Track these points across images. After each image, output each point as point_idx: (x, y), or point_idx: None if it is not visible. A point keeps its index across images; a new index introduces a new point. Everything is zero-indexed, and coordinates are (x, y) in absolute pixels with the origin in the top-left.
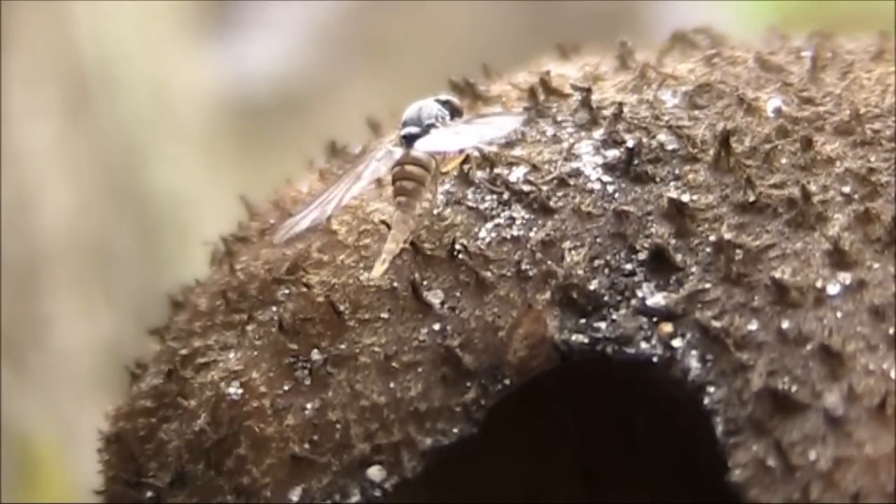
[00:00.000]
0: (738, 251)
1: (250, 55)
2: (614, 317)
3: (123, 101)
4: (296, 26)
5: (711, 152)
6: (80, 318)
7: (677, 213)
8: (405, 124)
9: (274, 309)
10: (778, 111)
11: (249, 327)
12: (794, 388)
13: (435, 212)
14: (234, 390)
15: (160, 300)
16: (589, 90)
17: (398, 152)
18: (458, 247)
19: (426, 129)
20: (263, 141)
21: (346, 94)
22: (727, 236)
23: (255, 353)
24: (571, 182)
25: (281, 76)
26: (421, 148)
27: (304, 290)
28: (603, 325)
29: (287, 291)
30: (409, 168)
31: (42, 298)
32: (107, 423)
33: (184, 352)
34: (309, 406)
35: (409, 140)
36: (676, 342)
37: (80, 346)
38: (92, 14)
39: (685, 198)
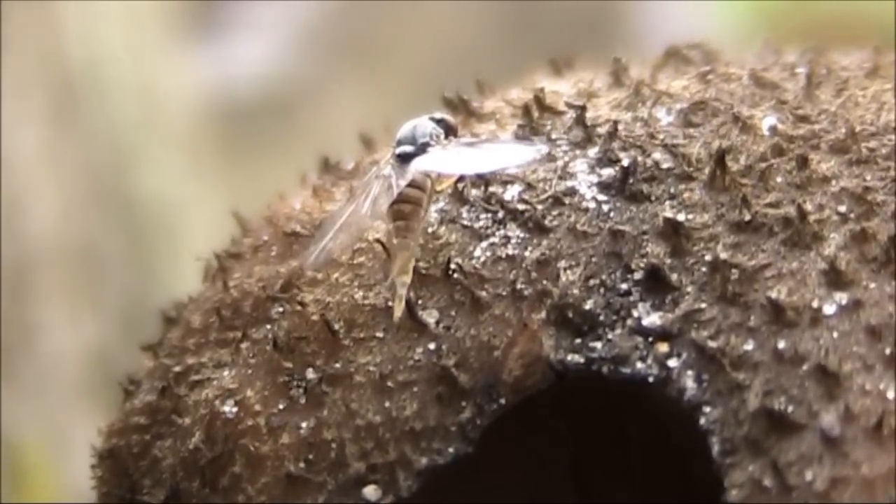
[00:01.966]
0: (733, 271)
1: (236, 57)
2: (610, 336)
3: (110, 106)
4: (281, 28)
5: (707, 171)
6: (67, 324)
7: (673, 232)
8: (399, 143)
9: (268, 327)
10: (773, 129)
11: (244, 345)
12: (790, 408)
13: (429, 230)
14: (228, 408)
15: (147, 306)
16: (584, 108)
17: (392, 171)
18: (453, 266)
19: (421, 148)
20: (250, 144)
21: (333, 97)
22: (723, 256)
23: (250, 371)
24: (566, 201)
25: (267, 79)
26: (419, 168)
27: (299, 308)
28: (598, 344)
29: (281, 309)
30: (405, 190)
31: (30, 304)
32: (99, 439)
33: (177, 369)
34: (304, 425)
35: (403, 159)
36: (672, 362)
37: (67, 351)
38: (79, 18)
39: (680, 217)
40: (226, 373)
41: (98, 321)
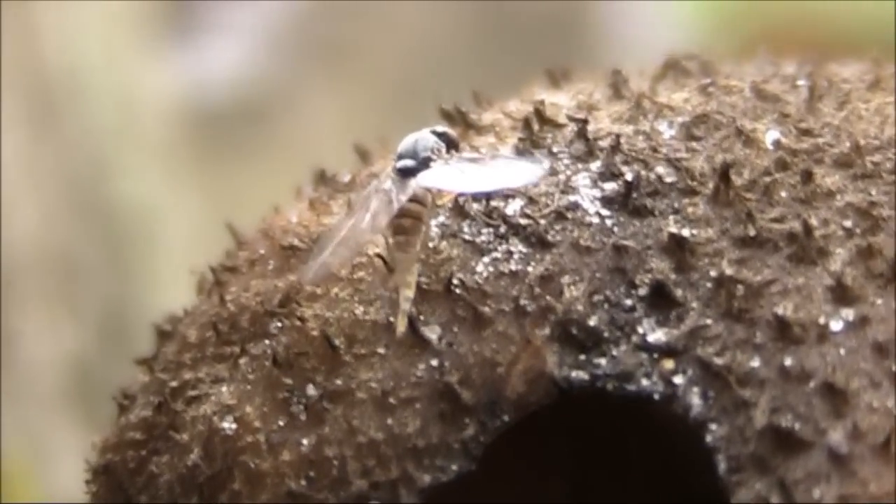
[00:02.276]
0: (739, 286)
1: (209, 62)
2: (614, 353)
3: (88, 112)
4: (254, 32)
5: (710, 185)
6: (46, 332)
7: (677, 247)
8: (400, 156)
9: (267, 342)
10: (777, 143)
11: (242, 360)
12: (797, 426)
13: (430, 245)
14: (227, 425)
15: (126, 312)
16: (585, 121)
17: (393, 185)
18: (455, 281)
19: (423, 162)
20: (225, 149)
21: (307, 101)
22: (728, 271)
23: (249, 387)
24: (569, 215)
25: (240, 83)
26: (422, 183)
27: (298, 323)
28: (603, 361)
29: (280, 324)
30: (406, 205)
31: (9, 312)
32: (93, 454)
33: (174, 384)
34: (305, 442)
35: (404, 173)
36: (678, 379)
37: (47, 359)
38: (57, 25)
39: (685, 232)
40: (224, 388)
41: (77, 328)
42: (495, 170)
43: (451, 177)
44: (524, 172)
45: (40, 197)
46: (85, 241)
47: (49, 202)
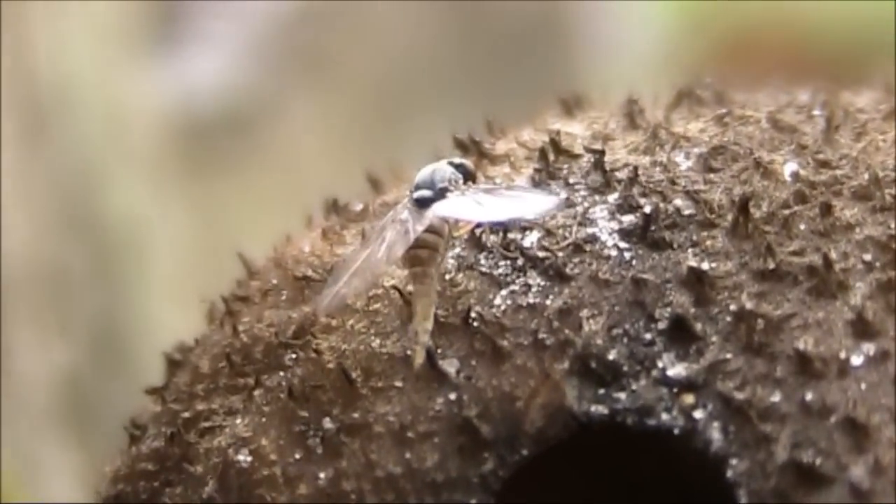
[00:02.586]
0: (759, 320)
1: (193, 73)
2: (634, 387)
3: (77, 125)
4: (237, 42)
5: (729, 218)
6: (37, 346)
7: (696, 280)
8: (418, 187)
9: (281, 374)
10: (795, 175)
11: (256, 392)
12: (818, 461)
13: (446, 277)
14: (243, 457)
15: (116, 327)
16: (602, 152)
17: (410, 216)
18: (473, 314)
19: (439, 193)
20: (211, 160)
21: (290, 110)
22: (748, 305)
23: (264, 419)
24: (587, 248)
25: (224, 93)
26: (438, 213)
27: (314, 355)
28: (623, 395)
29: (295, 356)
30: (422, 236)
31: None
32: (104, 485)
33: (186, 414)
34: (322, 475)
35: (421, 203)
36: (698, 413)
37: (37, 373)
38: (47, 38)
39: (704, 265)
40: (238, 420)
41: (67, 343)
42: (511, 200)
43: (468, 207)
44: (542, 203)
45: (30, 211)
46: (75, 255)
47: (39, 216)
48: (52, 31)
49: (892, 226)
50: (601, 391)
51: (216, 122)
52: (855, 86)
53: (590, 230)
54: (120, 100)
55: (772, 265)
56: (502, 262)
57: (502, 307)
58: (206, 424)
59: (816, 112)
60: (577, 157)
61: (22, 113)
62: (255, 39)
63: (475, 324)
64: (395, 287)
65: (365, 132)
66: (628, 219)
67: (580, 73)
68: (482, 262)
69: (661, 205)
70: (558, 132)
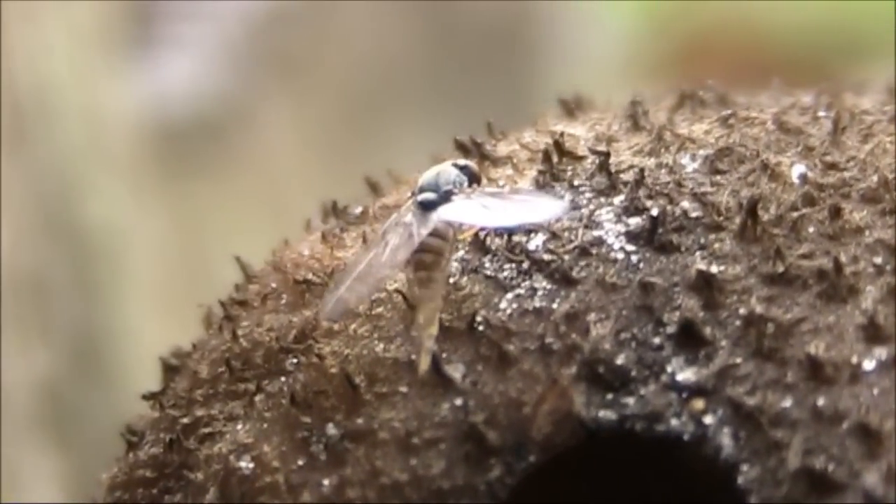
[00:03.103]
0: (769, 325)
1: (167, 77)
2: (642, 392)
3: (53, 132)
4: (210, 46)
5: (737, 221)
6: (16, 352)
7: (705, 284)
8: (422, 190)
9: (283, 379)
10: (803, 177)
11: (257, 398)
12: (831, 468)
13: (451, 281)
14: (244, 464)
15: (94, 334)
16: (608, 154)
17: (414, 219)
18: (478, 318)
19: (444, 196)
20: (187, 165)
21: (265, 114)
22: (757, 309)
23: (266, 425)
24: (593, 251)
25: (198, 98)
26: (443, 217)
27: (316, 360)
28: (631, 401)
29: (296, 361)
30: (427, 240)
31: None
32: (101, 492)
33: (185, 420)
34: (326, 483)
35: (425, 206)
36: (708, 419)
37: (16, 380)
38: (25, 44)
39: (713, 269)
40: (239, 426)
41: (46, 350)
42: (519, 204)
43: (473, 211)
44: (550, 208)
45: (8, 218)
46: (52, 261)
47: (17, 223)
48: (29, 37)
49: None
50: (609, 397)
51: (192, 127)
52: (815, 87)
53: (596, 233)
54: (96, 105)
55: (781, 269)
56: (507, 266)
57: (508, 311)
58: (206, 430)
59: (822, 114)
60: (581, 158)
61: (2, 120)
62: (230, 44)
63: (481, 328)
64: (398, 291)
65: (340, 135)
66: (635, 221)
67: (545, 76)
68: (487, 265)
69: (668, 207)
70: (561, 134)
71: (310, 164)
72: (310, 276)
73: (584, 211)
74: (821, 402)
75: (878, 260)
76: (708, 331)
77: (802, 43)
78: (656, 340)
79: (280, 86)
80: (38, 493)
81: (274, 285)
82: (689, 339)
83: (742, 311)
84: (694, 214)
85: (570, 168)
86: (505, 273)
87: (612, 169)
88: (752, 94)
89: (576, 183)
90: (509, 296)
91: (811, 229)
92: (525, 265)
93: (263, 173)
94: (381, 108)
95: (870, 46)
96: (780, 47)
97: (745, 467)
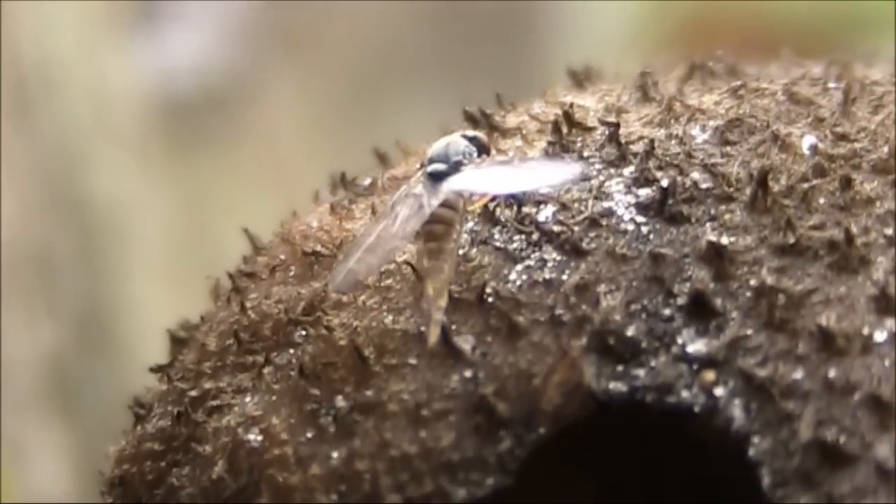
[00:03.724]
0: (779, 296)
1: (173, 52)
2: (653, 364)
3: (60, 106)
4: (215, 20)
5: (748, 192)
6: (21, 327)
7: (715, 255)
8: (431, 161)
9: (291, 351)
10: (813, 148)
11: (266, 370)
12: (842, 439)
13: (460, 252)
14: (253, 437)
15: (100, 309)
16: (617, 125)
17: (424, 190)
18: (488, 290)
19: (454, 167)
20: (193, 139)
21: (270, 89)
22: (768, 280)
23: (274, 397)
24: (603, 222)
25: (204, 72)
26: (453, 187)
27: (325, 332)
28: (642, 372)
29: (305, 333)
30: (437, 210)
31: None
32: (108, 465)
33: (193, 393)
34: (335, 455)
35: (435, 178)
36: (719, 391)
37: (22, 354)
38: (31, 19)
39: (723, 240)
40: (248, 399)
41: (52, 324)
42: (526, 171)
43: (482, 179)
44: (559, 174)
45: (14, 193)
46: (58, 236)
47: (23, 198)
48: (34, 11)
49: None
50: (620, 368)
51: (197, 101)
52: (822, 60)
53: (606, 204)
54: (102, 79)
55: (792, 240)
56: (517, 237)
57: (518, 283)
58: (215, 403)
59: (832, 85)
60: (590, 129)
61: (4, 94)
62: (235, 17)
63: (490, 300)
64: (407, 262)
65: (345, 110)
66: (645, 192)
67: (550, 49)
68: (496, 236)
69: (678, 178)
70: (571, 105)
71: (316, 138)
72: (318, 247)
73: (594, 182)
74: (832, 373)
75: (890, 231)
76: (719, 302)
77: (807, 18)
78: (667, 312)
79: (285, 59)
80: (44, 467)
81: (282, 257)
82: (700, 311)
83: (753, 282)
84: (704, 185)
85: (579, 139)
86: (514, 244)
87: (622, 140)
88: (761, 65)
89: (585, 154)
90: (519, 267)
91: (822, 200)
92: (535, 236)
93: (269, 147)
94: (387, 81)
95: (874, 21)
96: (785, 22)
97: (756, 439)
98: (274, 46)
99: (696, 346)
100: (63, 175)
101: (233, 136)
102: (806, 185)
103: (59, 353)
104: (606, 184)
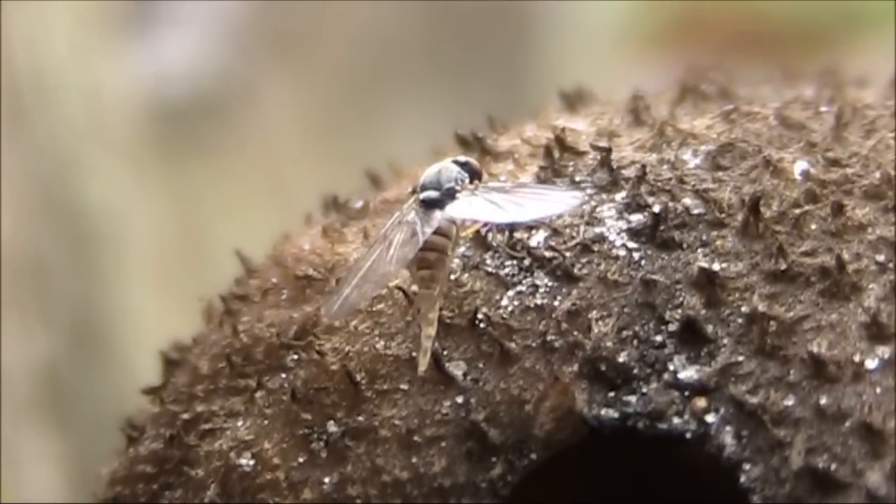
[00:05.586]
0: (771, 323)
1: (166, 57)
2: (645, 390)
3: (53, 112)
4: (208, 24)
5: (739, 217)
6: (15, 335)
7: (707, 281)
8: (424, 188)
9: (283, 376)
10: (805, 174)
11: (258, 394)
12: (833, 467)
13: (452, 277)
14: (245, 461)
15: (93, 316)
16: (609, 150)
17: (417, 217)
18: (480, 316)
19: (447, 193)
20: (186, 144)
21: (264, 93)
22: (760, 307)
23: (266, 422)
24: (595, 248)
25: (198, 76)
26: (448, 215)
27: (317, 357)
28: (633, 398)
29: (297, 357)
30: (431, 238)
31: None
32: (101, 487)
33: (186, 416)
34: (327, 480)
35: (428, 205)
36: (710, 417)
37: (16, 362)
38: (24, 24)
39: (715, 266)
40: (240, 423)
41: (45, 332)
42: (525, 200)
43: (478, 208)
44: (556, 203)
45: (7, 199)
46: (53, 245)
47: (16, 204)
48: (27, 17)
49: None
50: (611, 394)
51: (191, 107)
52: (811, 59)
53: (598, 229)
54: (95, 85)
55: (783, 266)
56: (509, 262)
57: (510, 308)
58: (207, 427)
59: (824, 108)
60: (582, 154)
61: (2, 101)
62: (229, 22)
63: (482, 325)
64: (399, 288)
65: (339, 113)
66: (637, 218)
67: (543, 50)
68: (488, 261)
69: (670, 204)
70: (563, 129)
71: (309, 143)
72: (310, 271)
73: (586, 207)
74: (823, 400)
75: (881, 257)
76: (710, 328)
77: (799, 14)
78: (658, 338)
79: (279, 65)
80: (38, 475)
81: (274, 280)
82: (692, 337)
83: (744, 308)
84: (696, 211)
85: (571, 163)
86: (506, 270)
87: (614, 165)
88: (752, 75)
89: (577, 178)
90: (511, 293)
91: (814, 226)
92: (526, 262)
93: (263, 152)
94: (381, 85)
95: (867, 17)
96: (776, 18)
97: (747, 466)
98: (268, 52)
99: (688, 373)
100: (57, 182)
101: (227, 142)
102: (798, 211)
103: (53, 362)
104: (598, 209)
